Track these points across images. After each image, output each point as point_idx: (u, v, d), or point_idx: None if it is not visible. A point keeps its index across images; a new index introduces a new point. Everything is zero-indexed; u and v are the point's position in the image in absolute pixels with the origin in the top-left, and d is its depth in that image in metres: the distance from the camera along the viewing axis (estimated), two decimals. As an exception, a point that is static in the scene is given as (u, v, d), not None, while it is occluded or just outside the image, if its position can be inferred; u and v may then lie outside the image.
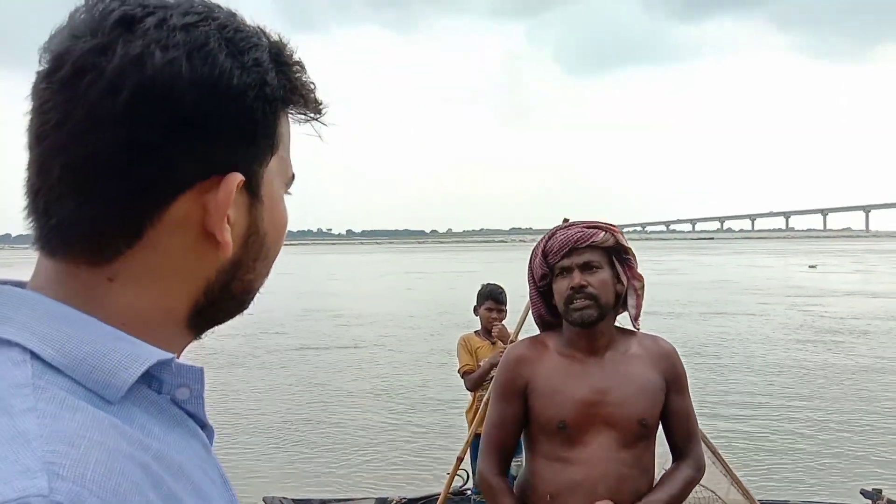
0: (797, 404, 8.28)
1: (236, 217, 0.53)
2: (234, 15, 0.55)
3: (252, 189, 0.54)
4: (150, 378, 0.51)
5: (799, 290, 23.19)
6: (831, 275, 30.94)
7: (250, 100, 0.52)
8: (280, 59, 0.55)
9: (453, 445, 6.49)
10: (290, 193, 0.61)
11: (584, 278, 1.89)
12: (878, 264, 40.15)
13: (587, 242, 1.91)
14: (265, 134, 0.54)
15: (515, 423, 1.95)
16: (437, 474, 5.85)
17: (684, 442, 2.00)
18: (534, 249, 2.03)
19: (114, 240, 0.51)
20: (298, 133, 0.60)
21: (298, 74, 0.57)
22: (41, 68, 0.51)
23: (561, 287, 1.92)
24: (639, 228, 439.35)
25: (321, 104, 0.60)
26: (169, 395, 0.52)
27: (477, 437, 4.04)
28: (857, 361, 10.80)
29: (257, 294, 0.60)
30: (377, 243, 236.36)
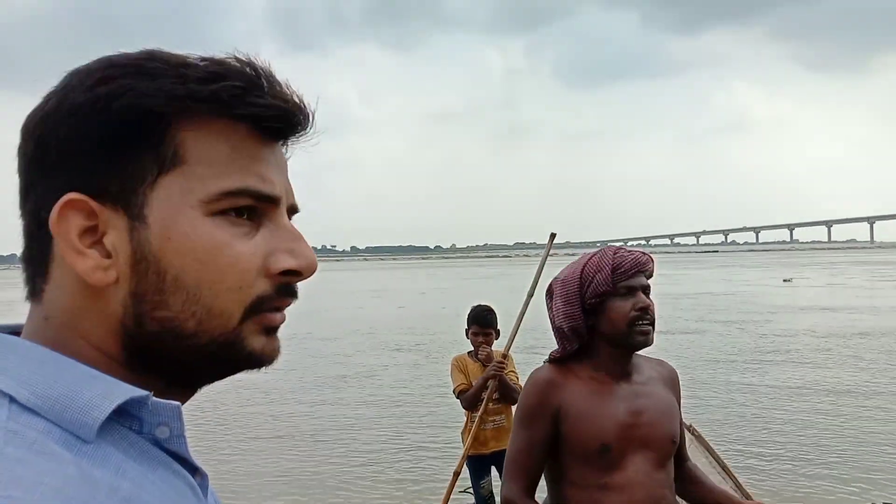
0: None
1: (117, 243, 0.51)
2: (127, 60, 0.53)
3: (130, 211, 0.51)
4: (131, 418, 0.50)
5: (753, 305, 22.62)
6: (801, 289, 30.33)
7: (90, 116, 0.50)
8: (182, 71, 0.52)
9: (439, 462, 6.41)
10: (231, 213, 0.53)
11: (648, 301, 1.92)
12: (854, 276, 39.50)
13: (649, 268, 1.97)
14: (132, 149, 0.51)
15: (544, 447, 1.92)
16: (432, 489, 5.92)
17: (683, 449, 2.12)
18: (589, 264, 1.97)
19: (34, 276, 0.52)
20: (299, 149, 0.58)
21: (227, 83, 0.52)
22: None
23: (623, 307, 1.91)
24: (643, 242, 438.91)
25: (276, 115, 0.54)
26: (149, 434, 0.50)
27: (470, 457, 4.26)
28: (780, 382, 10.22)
29: (214, 336, 0.52)
30: (381, 259, 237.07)
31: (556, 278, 2.04)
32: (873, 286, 30.73)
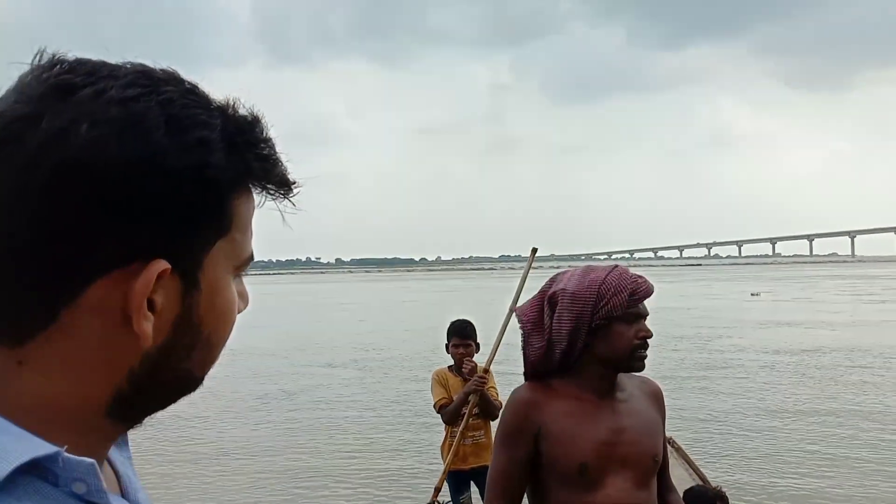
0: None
1: (165, 303, 0.49)
2: (190, 90, 0.51)
3: (187, 275, 0.50)
4: (46, 471, 0.46)
5: (712, 319, 22.57)
6: (766, 303, 30.34)
7: (186, 182, 0.48)
8: (236, 139, 0.51)
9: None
10: (243, 275, 0.57)
11: (650, 331, 1.93)
12: (824, 291, 39.62)
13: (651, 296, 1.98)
14: (207, 218, 0.50)
15: (525, 467, 1.88)
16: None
17: (663, 470, 2.05)
18: (606, 283, 1.89)
19: (26, 322, 0.47)
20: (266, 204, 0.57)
21: (260, 153, 0.53)
22: None
23: (628, 333, 1.88)
24: (627, 255, 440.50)
25: (290, 184, 0.56)
26: (66, 488, 0.47)
27: (450, 473, 4.18)
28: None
29: (202, 380, 0.56)
30: (366, 272, 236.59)
31: (563, 290, 1.91)
32: (839, 301, 30.79)
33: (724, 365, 13.34)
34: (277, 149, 0.55)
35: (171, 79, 0.51)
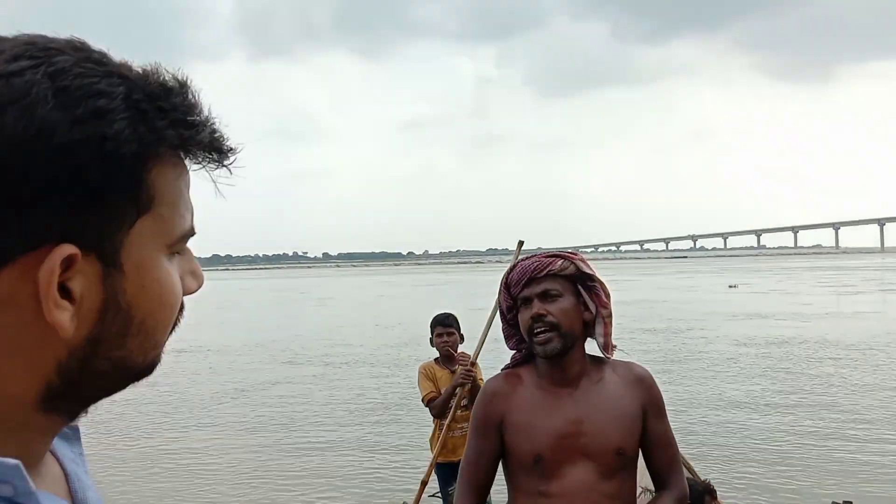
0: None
1: (85, 290, 0.47)
2: (91, 59, 0.47)
3: (106, 258, 0.47)
4: None
5: (686, 312, 22.53)
6: (742, 295, 30.41)
7: (84, 157, 0.44)
8: (144, 106, 0.47)
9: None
10: (178, 253, 0.53)
11: (542, 307, 1.87)
12: (802, 282, 39.80)
13: (544, 272, 1.90)
14: (117, 194, 0.47)
15: (491, 458, 1.92)
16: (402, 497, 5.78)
17: (666, 470, 1.95)
18: (506, 281, 2.02)
19: None
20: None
21: (177, 118, 0.49)
22: None
23: (524, 318, 1.90)
24: (613, 248, 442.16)
25: (222, 149, 0.53)
26: None
27: (439, 464, 4.21)
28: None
29: (150, 368, 0.54)
30: (353, 266, 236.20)
31: None
32: (815, 292, 30.85)
33: (690, 357, 13.25)
34: (206, 113, 0.50)
35: (69, 48, 0.46)
